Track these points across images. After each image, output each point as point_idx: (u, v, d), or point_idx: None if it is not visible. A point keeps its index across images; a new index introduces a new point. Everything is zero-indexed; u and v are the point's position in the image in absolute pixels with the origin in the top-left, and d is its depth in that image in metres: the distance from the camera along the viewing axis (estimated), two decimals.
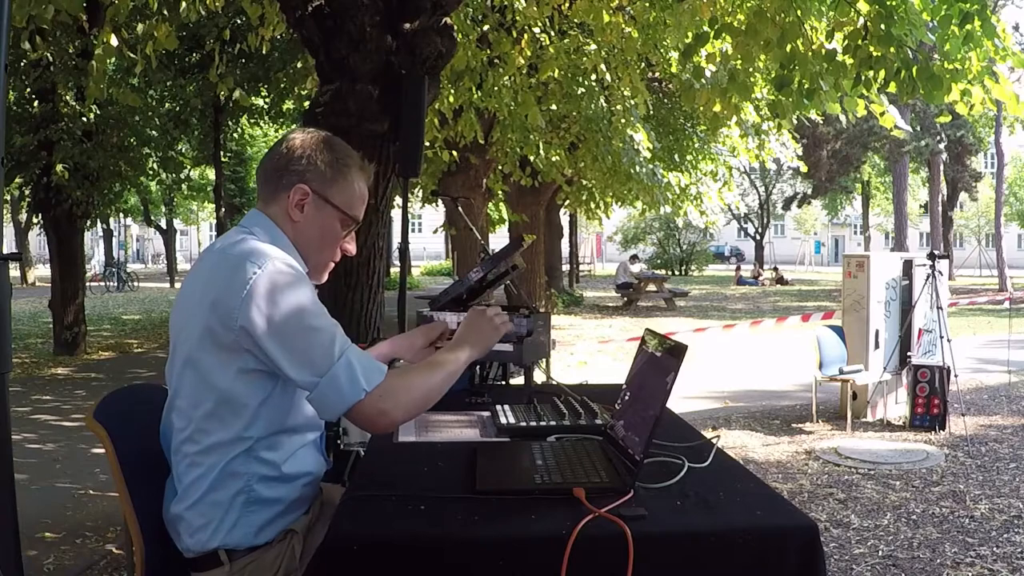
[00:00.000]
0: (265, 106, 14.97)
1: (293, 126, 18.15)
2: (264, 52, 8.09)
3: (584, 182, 13.14)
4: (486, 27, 6.74)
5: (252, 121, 16.57)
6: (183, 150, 16.85)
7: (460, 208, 4.24)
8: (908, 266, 6.81)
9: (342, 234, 1.80)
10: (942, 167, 28.84)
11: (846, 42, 4.54)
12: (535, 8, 6.53)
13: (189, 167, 18.56)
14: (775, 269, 30.85)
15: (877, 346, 6.61)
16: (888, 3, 4.25)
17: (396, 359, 2.13)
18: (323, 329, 1.59)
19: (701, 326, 12.52)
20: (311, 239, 1.76)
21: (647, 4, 6.88)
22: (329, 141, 1.78)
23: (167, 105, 14.32)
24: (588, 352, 10.49)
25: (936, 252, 6.59)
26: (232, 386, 1.60)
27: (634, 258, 22.15)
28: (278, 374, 1.60)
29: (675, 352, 1.66)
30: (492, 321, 1.87)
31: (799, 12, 4.57)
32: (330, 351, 1.58)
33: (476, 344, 1.82)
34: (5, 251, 2.10)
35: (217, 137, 15.60)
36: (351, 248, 1.84)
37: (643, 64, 8.52)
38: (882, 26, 4.25)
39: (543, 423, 2.04)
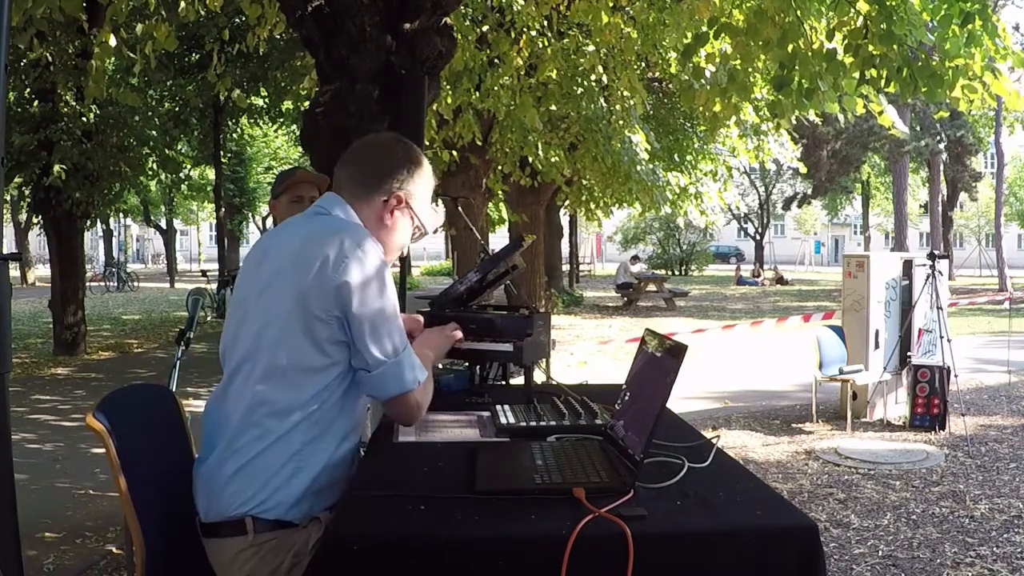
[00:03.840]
0: (264, 106, 14.96)
1: (293, 126, 18.18)
2: (263, 52, 8.06)
3: (584, 182, 13.13)
4: (485, 27, 6.74)
5: (252, 121, 16.56)
6: (183, 150, 16.84)
7: (460, 208, 4.23)
8: (908, 266, 6.81)
9: (409, 240, 1.96)
10: (942, 167, 28.80)
11: (846, 41, 4.54)
12: (534, 8, 6.52)
13: (189, 167, 18.55)
14: (775, 269, 30.83)
15: (877, 346, 6.61)
16: (888, 2, 4.25)
17: None
18: (398, 319, 1.76)
19: (701, 327, 12.53)
20: (390, 241, 1.89)
21: (646, 4, 6.88)
22: (420, 156, 1.94)
23: (167, 105, 14.30)
24: (588, 352, 10.48)
25: (936, 252, 6.59)
26: (317, 352, 1.68)
27: (635, 258, 22.11)
28: (351, 347, 1.71)
29: (675, 352, 1.66)
30: (444, 332, 2.19)
31: (799, 12, 4.57)
32: (402, 339, 1.76)
33: (437, 352, 2.15)
34: (5, 251, 2.11)
35: (217, 137, 15.59)
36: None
37: (642, 64, 8.51)
38: (883, 25, 4.24)
39: (543, 423, 2.04)
